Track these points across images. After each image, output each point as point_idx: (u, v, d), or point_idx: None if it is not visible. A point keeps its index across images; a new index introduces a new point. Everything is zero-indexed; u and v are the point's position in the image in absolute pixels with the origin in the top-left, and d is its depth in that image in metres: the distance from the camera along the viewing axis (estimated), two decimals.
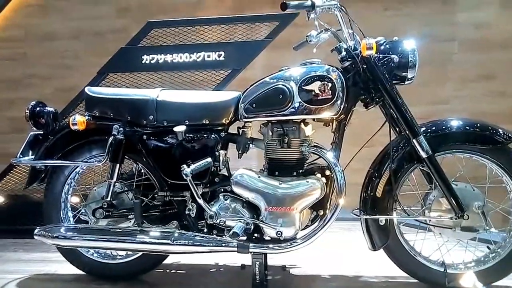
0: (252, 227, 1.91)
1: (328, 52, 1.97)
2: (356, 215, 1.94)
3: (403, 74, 1.86)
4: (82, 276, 2.22)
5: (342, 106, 1.85)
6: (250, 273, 1.92)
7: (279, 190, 1.87)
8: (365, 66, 1.85)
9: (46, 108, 2.12)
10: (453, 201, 1.84)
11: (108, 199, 2.03)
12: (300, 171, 1.92)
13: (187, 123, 1.97)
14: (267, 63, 3.11)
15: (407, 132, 1.85)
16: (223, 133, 2.00)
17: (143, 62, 3.08)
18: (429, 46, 3.08)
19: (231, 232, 1.85)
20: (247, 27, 3.06)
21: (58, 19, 3.68)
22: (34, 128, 2.11)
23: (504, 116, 3.22)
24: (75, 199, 2.23)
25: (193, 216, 1.99)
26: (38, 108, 2.09)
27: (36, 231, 2.06)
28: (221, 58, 3.03)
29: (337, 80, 1.83)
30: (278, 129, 1.92)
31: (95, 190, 2.12)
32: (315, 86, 1.83)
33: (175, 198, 2.02)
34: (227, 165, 2.05)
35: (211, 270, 2.32)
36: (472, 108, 3.30)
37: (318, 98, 1.83)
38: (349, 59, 1.89)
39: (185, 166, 1.88)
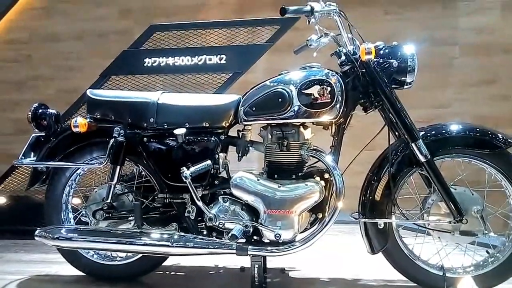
0: (251, 229, 1.92)
1: (328, 56, 1.98)
2: (355, 218, 1.94)
3: (402, 78, 1.86)
4: (82, 277, 2.23)
5: (341, 110, 1.85)
6: (249, 275, 1.92)
7: (278, 193, 1.88)
8: (364, 71, 1.86)
9: (48, 110, 2.13)
10: (452, 205, 1.84)
11: (109, 200, 2.04)
12: (299, 174, 1.93)
13: (187, 126, 1.98)
14: (268, 67, 3.11)
15: (406, 136, 1.86)
16: (223, 136, 2.02)
17: (145, 65, 3.10)
18: (430, 50, 3.09)
19: (230, 234, 1.86)
20: (248, 30, 3.07)
21: (62, 21, 3.70)
22: (36, 130, 2.13)
23: (505, 121, 3.22)
24: (76, 201, 2.25)
25: (193, 218, 2.00)
26: (40, 110, 2.11)
27: (36, 232, 2.07)
28: (223, 61, 3.04)
29: (336, 84, 1.84)
30: (277, 132, 1.93)
31: (96, 191, 2.14)
32: (315, 90, 1.84)
33: (175, 200, 2.03)
34: (226, 168, 2.06)
35: (211, 272, 2.32)
36: (473, 112, 3.30)
37: (318, 102, 1.84)
38: (348, 64, 1.90)
39: (185, 168, 1.90)
